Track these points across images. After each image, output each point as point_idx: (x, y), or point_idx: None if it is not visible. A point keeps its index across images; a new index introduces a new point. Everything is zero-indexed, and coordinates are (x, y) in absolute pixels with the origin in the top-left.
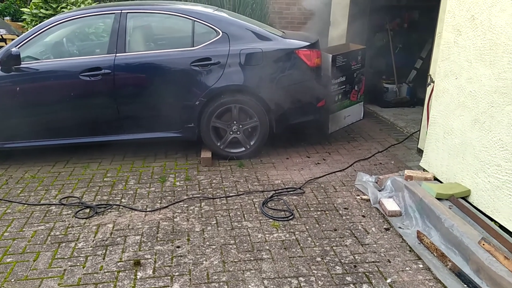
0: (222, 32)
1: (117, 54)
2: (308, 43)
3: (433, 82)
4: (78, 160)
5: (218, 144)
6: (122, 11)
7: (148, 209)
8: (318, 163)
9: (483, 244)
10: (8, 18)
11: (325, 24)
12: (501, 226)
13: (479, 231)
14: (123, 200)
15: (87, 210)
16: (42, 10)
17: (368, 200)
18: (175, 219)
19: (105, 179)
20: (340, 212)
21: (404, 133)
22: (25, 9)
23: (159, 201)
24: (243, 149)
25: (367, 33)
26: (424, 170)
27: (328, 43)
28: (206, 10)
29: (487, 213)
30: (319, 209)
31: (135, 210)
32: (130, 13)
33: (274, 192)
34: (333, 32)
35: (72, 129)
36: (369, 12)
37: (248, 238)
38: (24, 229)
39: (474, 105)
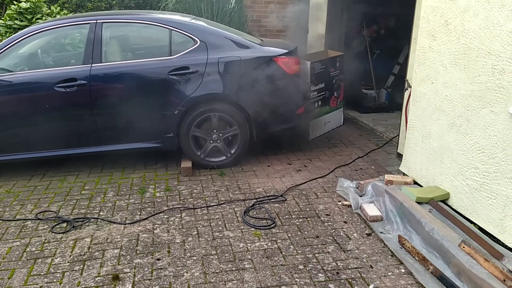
0: (199, 40)
1: (93, 65)
2: (286, 51)
3: (410, 87)
4: (55, 173)
5: (198, 153)
6: (98, 21)
7: (127, 222)
8: (300, 169)
9: (463, 247)
10: None
11: (303, 31)
12: (480, 228)
13: (459, 234)
14: (101, 213)
15: (64, 225)
16: (16, 22)
17: (350, 206)
18: (155, 231)
19: (82, 192)
20: (322, 218)
21: (383, 138)
22: None
23: (139, 213)
24: (224, 157)
25: (344, 40)
26: (404, 174)
27: (307, 50)
28: (183, 19)
29: (466, 216)
30: (301, 216)
31: (114, 223)
32: (106, 23)
33: (255, 200)
34: (312, 39)
35: (48, 141)
36: (346, 19)
37: (230, 248)
38: None
39: (450, 109)
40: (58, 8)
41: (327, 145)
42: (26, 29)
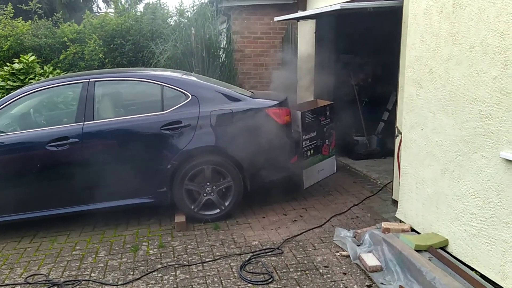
0: (191, 95)
1: (85, 123)
2: (276, 102)
3: (401, 133)
4: (45, 234)
5: (192, 207)
6: (90, 80)
7: (119, 283)
8: (295, 220)
9: None
10: None
11: (293, 82)
12: (482, 275)
13: (461, 282)
14: (92, 274)
15: None
16: (9, 82)
17: (348, 256)
18: None
19: (73, 252)
20: (321, 271)
21: (378, 185)
22: None
23: (132, 273)
24: (218, 210)
25: (333, 89)
26: (400, 221)
27: (297, 101)
28: (174, 74)
29: (467, 263)
30: (299, 269)
31: (106, 284)
32: (98, 82)
33: (252, 254)
34: (301, 89)
35: (40, 201)
36: (334, 69)
37: None
38: None
39: (442, 155)
40: (51, 68)
41: (322, 194)
42: (18, 90)
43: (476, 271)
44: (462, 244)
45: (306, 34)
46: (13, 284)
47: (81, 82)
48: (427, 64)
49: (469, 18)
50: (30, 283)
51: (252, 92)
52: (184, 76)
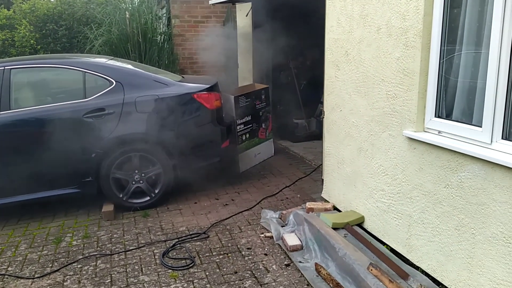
0: (115, 81)
1: (0, 112)
2: (206, 86)
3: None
4: None
5: (121, 195)
6: (6, 67)
7: (36, 275)
8: (227, 204)
9: (371, 270)
10: None
11: (233, 66)
12: (392, 250)
13: (369, 256)
14: (9, 268)
15: None
16: None
17: (272, 237)
18: (64, 283)
19: None
20: (243, 253)
21: (312, 166)
22: None
23: (50, 265)
24: (148, 198)
25: (272, 73)
26: (325, 201)
27: (239, 84)
28: (97, 60)
29: (379, 238)
30: (222, 253)
31: (22, 278)
32: (15, 69)
33: (177, 240)
34: (242, 73)
35: None
36: (271, 53)
37: None
38: None
39: (357, 135)
40: None
41: (257, 177)
42: None
43: (387, 246)
44: (375, 220)
45: (243, 18)
46: None
47: None
48: (343, 46)
49: (376, 0)
50: None
51: (182, 77)
52: (108, 62)
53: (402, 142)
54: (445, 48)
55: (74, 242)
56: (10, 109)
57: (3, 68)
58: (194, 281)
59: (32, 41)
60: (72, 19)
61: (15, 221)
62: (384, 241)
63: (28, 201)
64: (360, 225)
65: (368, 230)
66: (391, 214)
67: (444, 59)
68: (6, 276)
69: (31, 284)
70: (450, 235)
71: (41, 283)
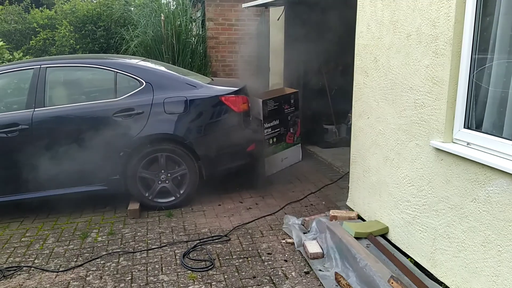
0: (145, 82)
1: (35, 109)
2: (234, 89)
3: None
4: None
5: (146, 194)
6: (42, 66)
7: (60, 269)
8: (250, 208)
9: (392, 283)
10: None
11: (265, 70)
12: (416, 263)
13: (391, 269)
14: (36, 261)
15: None
16: None
17: (293, 244)
18: (87, 278)
19: (22, 239)
20: (263, 258)
21: (339, 173)
22: None
23: (75, 259)
24: (173, 198)
25: (303, 77)
26: (350, 209)
27: (269, 88)
28: (129, 61)
29: (403, 250)
30: (242, 256)
31: (47, 271)
32: (50, 68)
33: (198, 241)
34: (272, 77)
35: None
36: (303, 57)
37: None
38: None
39: (384, 143)
40: (21, 53)
41: (282, 182)
42: None
43: (411, 259)
44: (400, 231)
45: (276, 22)
46: None
47: (33, 68)
48: (372, 52)
49: (406, 6)
50: None
51: (211, 79)
52: (139, 63)
53: (429, 152)
54: (476, 56)
55: (99, 238)
56: (44, 106)
57: (39, 66)
58: (212, 283)
59: (71, 41)
60: (110, 20)
61: (45, 215)
62: (407, 253)
63: (58, 196)
64: (383, 235)
65: (392, 241)
66: (416, 226)
67: (475, 68)
68: (32, 268)
69: (55, 278)
70: (475, 251)
71: (64, 277)
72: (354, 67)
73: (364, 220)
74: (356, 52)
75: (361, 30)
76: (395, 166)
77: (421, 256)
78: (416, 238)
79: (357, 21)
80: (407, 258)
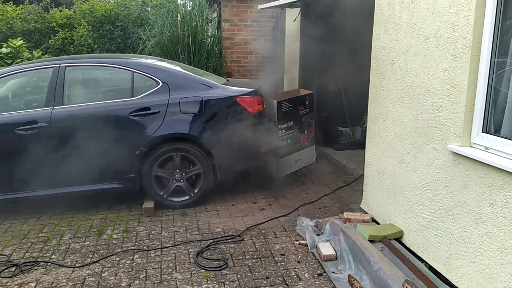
0: (162, 82)
1: (54, 107)
2: (249, 90)
3: None
4: (16, 216)
5: (161, 193)
6: (61, 65)
7: (77, 265)
8: (263, 208)
9: (406, 287)
10: None
11: (280, 71)
12: (431, 267)
13: (405, 273)
14: (53, 256)
15: (13, 269)
16: None
17: (306, 245)
18: (102, 274)
19: (40, 234)
20: (276, 258)
21: (354, 175)
22: None
23: (91, 256)
24: (187, 197)
25: (318, 79)
26: (364, 212)
27: (285, 89)
28: (146, 61)
29: (418, 254)
30: (255, 257)
31: (63, 266)
32: (69, 67)
33: (212, 241)
34: (287, 78)
35: (8, 184)
36: (318, 59)
37: None
38: None
39: (400, 146)
40: (40, 52)
41: (296, 183)
42: None
43: (425, 263)
44: (415, 235)
45: (292, 23)
46: None
47: (52, 67)
48: (389, 55)
49: (425, 8)
50: None
51: (227, 80)
52: (156, 63)
53: (446, 156)
54: (496, 60)
55: (115, 236)
56: (63, 105)
57: (58, 65)
58: (226, 283)
59: (89, 40)
60: (127, 20)
61: (62, 211)
62: (422, 257)
63: (75, 193)
64: (398, 239)
65: (407, 245)
66: (432, 231)
67: (494, 72)
68: (49, 263)
69: (71, 273)
70: (492, 257)
71: (80, 273)
72: (370, 69)
73: (378, 223)
74: (372, 54)
75: (378, 32)
76: (411, 169)
77: (436, 261)
78: (432, 243)
79: (374, 23)
80: (422, 262)
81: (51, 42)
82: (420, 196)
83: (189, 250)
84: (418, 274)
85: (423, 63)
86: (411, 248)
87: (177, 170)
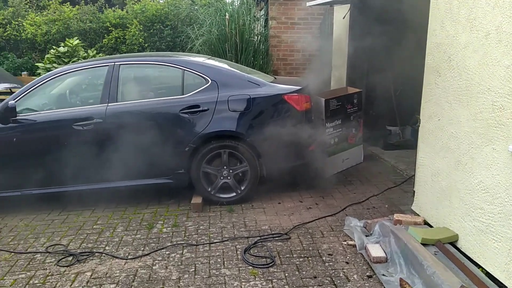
0: (211, 80)
1: (109, 104)
2: (296, 88)
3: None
4: (73, 208)
5: (209, 189)
6: (116, 63)
7: (129, 257)
8: (310, 207)
9: None
10: (25, 73)
11: (328, 69)
12: (488, 273)
13: (461, 278)
14: (107, 248)
15: (70, 258)
16: (54, 65)
17: (355, 246)
18: (153, 267)
19: (94, 226)
20: (324, 258)
21: (403, 176)
22: (39, 64)
23: (142, 248)
24: (234, 194)
25: (367, 77)
26: (415, 214)
27: (332, 87)
28: (196, 59)
29: (474, 259)
30: (302, 256)
31: (117, 257)
32: (123, 65)
33: (259, 238)
34: (335, 76)
35: (65, 177)
36: (367, 57)
37: (224, 286)
38: (5, 278)
39: (456, 147)
40: (95, 51)
41: (343, 183)
42: (49, 72)
43: (482, 269)
44: (471, 240)
45: (340, 20)
46: (34, 252)
47: (107, 65)
48: (446, 51)
49: (486, 3)
50: (49, 252)
51: (274, 78)
52: (205, 61)
53: (507, 158)
54: None
55: (164, 230)
56: (117, 102)
57: (113, 63)
58: (273, 280)
59: (141, 39)
60: (177, 19)
61: (114, 205)
62: (479, 263)
63: (127, 188)
64: (453, 243)
65: (462, 250)
66: (490, 236)
67: None
68: (103, 254)
69: (124, 265)
70: None
71: (132, 264)
72: (425, 66)
73: (431, 226)
74: (427, 51)
75: (434, 28)
76: (468, 171)
77: (494, 267)
78: (489, 248)
79: (429, 18)
80: (478, 268)
81: (105, 41)
82: (478, 199)
83: (237, 246)
84: (475, 280)
85: (483, 60)
86: (467, 253)
87: (225, 167)
